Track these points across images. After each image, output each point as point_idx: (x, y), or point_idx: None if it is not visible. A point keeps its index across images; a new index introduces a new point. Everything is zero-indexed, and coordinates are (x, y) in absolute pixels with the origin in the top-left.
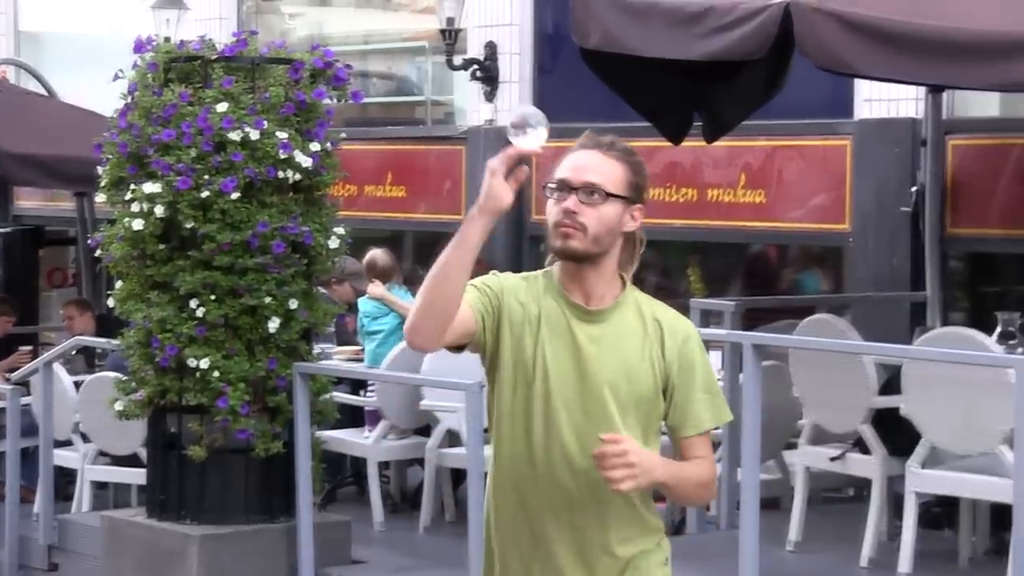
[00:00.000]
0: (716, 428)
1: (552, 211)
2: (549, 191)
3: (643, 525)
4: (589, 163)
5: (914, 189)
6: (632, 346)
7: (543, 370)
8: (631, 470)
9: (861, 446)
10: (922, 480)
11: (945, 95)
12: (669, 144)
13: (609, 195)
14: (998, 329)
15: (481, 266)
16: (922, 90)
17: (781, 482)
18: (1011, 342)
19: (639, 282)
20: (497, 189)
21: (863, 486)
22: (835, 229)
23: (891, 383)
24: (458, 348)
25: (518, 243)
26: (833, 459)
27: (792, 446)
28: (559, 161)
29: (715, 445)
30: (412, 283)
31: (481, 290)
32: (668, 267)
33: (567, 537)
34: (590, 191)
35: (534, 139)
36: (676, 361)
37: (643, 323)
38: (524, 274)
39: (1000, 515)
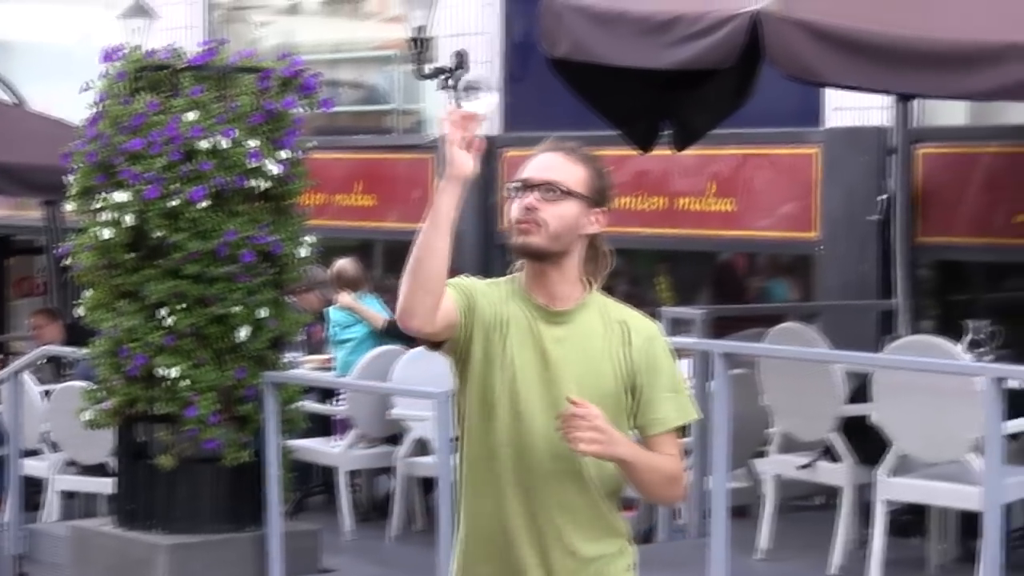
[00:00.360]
0: (683, 426)
1: (513, 209)
2: (510, 191)
3: (608, 528)
4: (550, 163)
5: (883, 197)
6: (596, 346)
7: (511, 372)
8: (597, 434)
9: (830, 454)
10: (891, 488)
11: (914, 104)
12: (638, 153)
13: (568, 192)
14: (967, 337)
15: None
16: (890, 99)
17: (750, 490)
18: (980, 350)
19: (608, 291)
20: (457, 156)
21: (832, 494)
22: (804, 237)
23: (860, 391)
24: (437, 345)
25: (486, 252)
26: (802, 467)
27: (761, 454)
28: (523, 167)
29: (685, 453)
30: (382, 292)
31: (457, 288)
32: (637, 276)
33: (531, 539)
34: (549, 188)
35: (484, 103)
36: (642, 360)
37: (606, 324)
38: (489, 280)
39: (969, 523)
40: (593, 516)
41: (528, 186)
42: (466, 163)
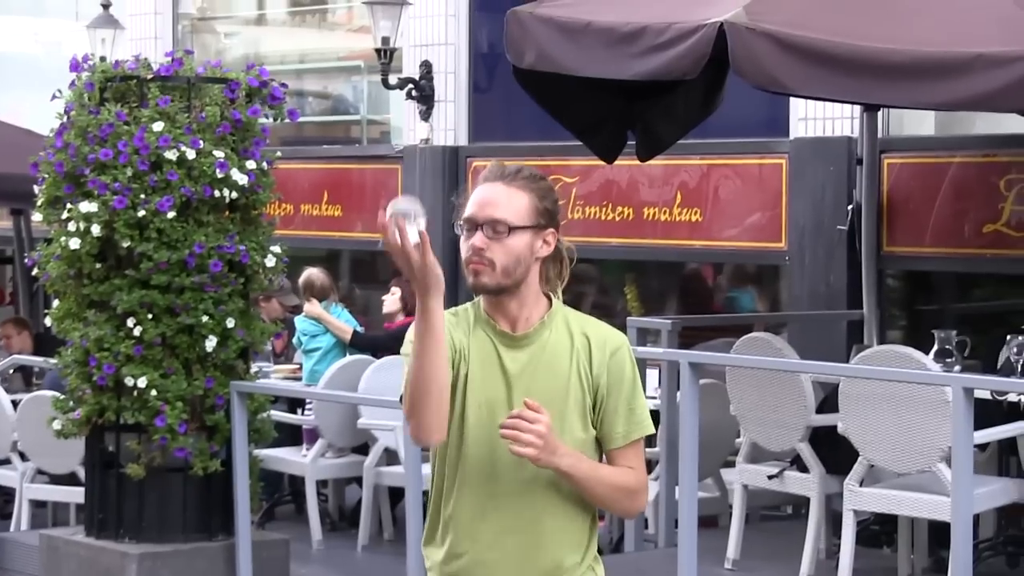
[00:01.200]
0: (641, 438)
1: (463, 248)
2: (459, 228)
3: (580, 541)
4: (492, 197)
5: (850, 207)
6: (560, 364)
7: (476, 401)
8: (537, 439)
9: (799, 464)
10: (860, 498)
11: (880, 114)
12: (604, 163)
13: (514, 228)
14: (935, 347)
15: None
16: (857, 109)
17: (719, 500)
18: (948, 360)
19: (576, 300)
20: (432, 266)
21: (801, 504)
22: (771, 247)
23: (828, 401)
24: None
25: (454, 261)
26: (771, 477)
27: (730, 464)
28: (467, 196)
29: (653, 463)
30: (348, 302)
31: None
32: (605, 286)
33: (508, 563)
34: (494, 226)
35: (414, 231)
36: (604, 374)
37: (571, 339)
38: (453, 309)
39: (938, 533)
40: (567, 530)
41: (473, 224)
42: (438, 269)
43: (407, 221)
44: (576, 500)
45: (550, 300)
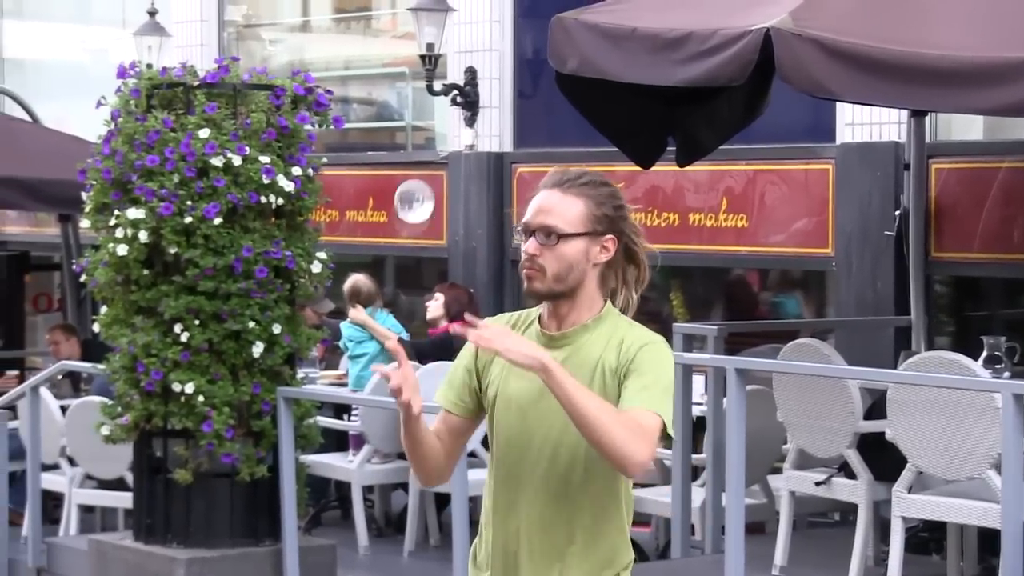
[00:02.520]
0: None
1: (522, 254)
2: (516, 234)
3: (608, 556)
4: (547, 204)
5: (897, 213)
6: (587, 364)
7: (507, 399)
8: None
9: (846, 471)
10: (909, 505)
11: (928, 118)
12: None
13: (564, 236)
14: (984, 353)
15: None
16: (904, 113)
17: (766, 507)
18: (997, 366)
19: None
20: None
21: (849, 511)
22: (818, 253)
23: (876, 407)
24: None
25: (499, 267)
26: (819, 484)
27: (777, 470)
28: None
29: (699, 470)
30: (393, 308)
31: (463, 376)
32: (651, 291)
33: (537, 566)
34: (546, 233)
35: (421, 212)
36: (626, 366)
37: (607, 340)
38: (518, 313)
39: (988, 540)
40: (594, 541)
41: (528, 230)
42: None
43: (413, 201)
44: (605, 506)
45: (602, 306)
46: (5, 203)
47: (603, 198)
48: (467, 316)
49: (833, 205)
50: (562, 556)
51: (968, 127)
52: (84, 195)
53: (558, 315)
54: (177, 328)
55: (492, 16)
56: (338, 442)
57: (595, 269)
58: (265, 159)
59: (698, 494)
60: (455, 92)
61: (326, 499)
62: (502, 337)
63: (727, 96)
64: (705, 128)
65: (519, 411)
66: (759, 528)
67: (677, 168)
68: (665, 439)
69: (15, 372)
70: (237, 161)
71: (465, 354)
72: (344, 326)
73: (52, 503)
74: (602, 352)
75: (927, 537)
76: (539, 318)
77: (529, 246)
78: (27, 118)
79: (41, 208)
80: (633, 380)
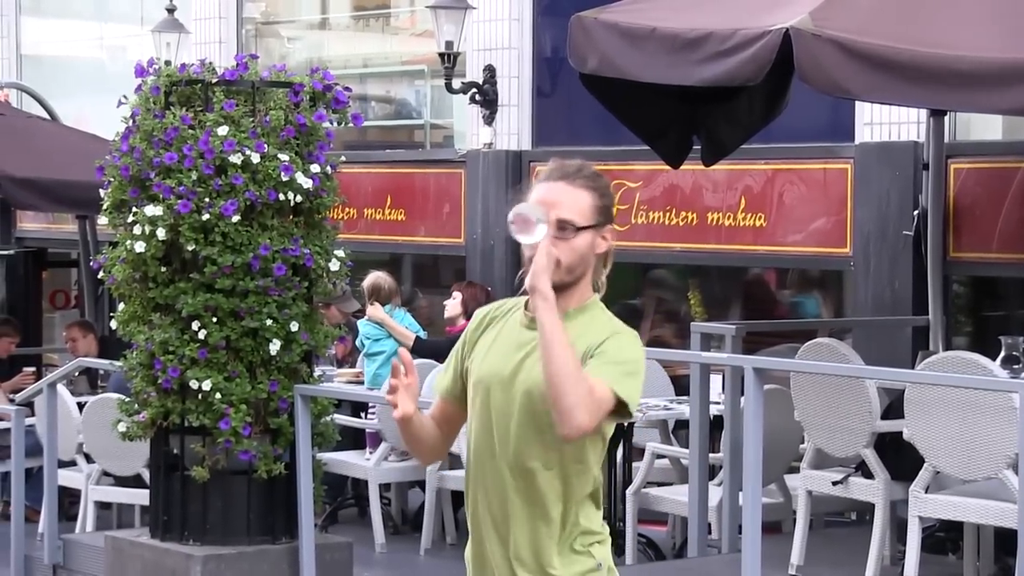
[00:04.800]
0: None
1: (526, 249)
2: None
3: (578, 550)
4: (557, 197)
5: (916, 213)
6: None
7: (485, 381)
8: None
9: (864, 470)
10: (926, 504)
11: (947, 118)
12: (668, 167)
13: (580, 228)
14: (1002, 353)
15: (477, 289)
16: (923, 113)
17: (783, 506)
18: (1015, 366)
19: (643, 305)
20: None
21: (866, 510)
22: (836, 253)
23: (893, 407)
24: None
25: (517, 265)
26: (836, 483)
27: (794, 470)
28: (528, 192)
29: (716, 468)
30: (410, 306)
31: (454, 363)
32: (669, 291)
33: (502, 551)
34: (561, 227)
35: (538, 233)
36: (592, 351)
37: (582, 334)
38: (511, 300)
39: (1005, 540)
40: (557, 533)
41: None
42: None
43: (533, 221)
44: (550, 496)
45: (591, 295)
46: (23, 204)
47: (603, 190)
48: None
49: (851, 205)
50: (529, 534)
51: (987, 127)
52: (102, 192)
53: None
54: (194, 325)
55: (511, 14)
56: (355, 440)
57: (595, 259)
58: (284, 157)
59: (715, 493)
60: (474, 90)
61: (343, 497)
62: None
63: (748, 96)
64: (726, 128)
65: (484, 391)
66: (776, 527)
67: (695, 167)
68: (624, 416)
69: (32, 369)
70: (255, 158)
71: (459, 340)
72: (361, 324)
73: (69, 500)
74: (573, 340)
75: (944, 537)
76: (526, 303)
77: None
78: (45, 115)
79: (58, 209)
80: (596, 359)
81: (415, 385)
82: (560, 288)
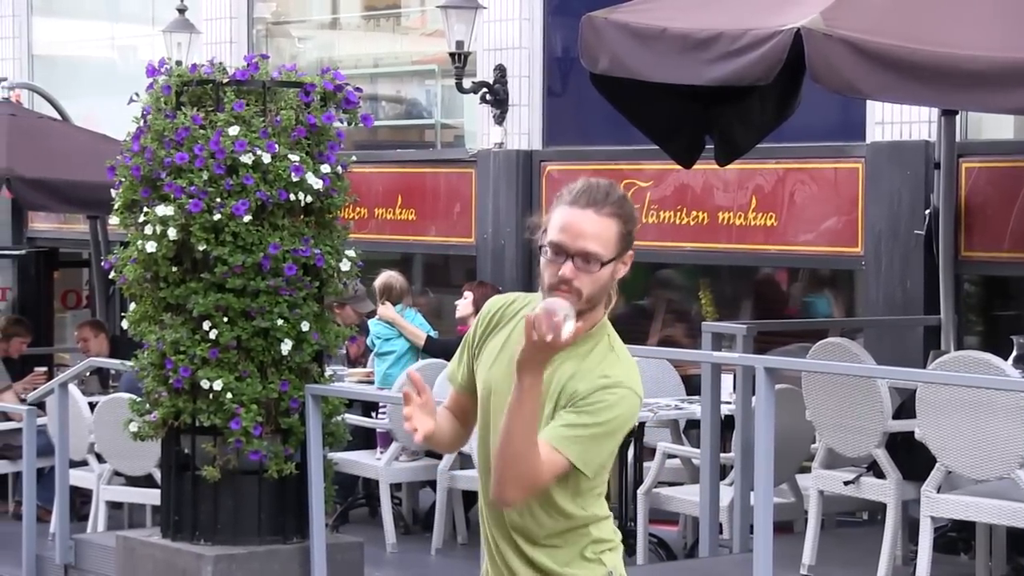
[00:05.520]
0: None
1: (547, 271)
2: (544, 251)
3: (582, 553)
4: (585, 228)
5: (927, 212)
6: (554, 383)
7: (488, 388)
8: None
9: (875, 470)
10: (937, 504)
11: (958, 117)
12: (679, 167)
13: (605, 262)
14: (1014, 353)
15: (488, 288)
16: (935, 112)
17: (794, 506)
18: None
19: (653, 305)
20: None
21: (877, 510)
22: (847, 252)
23: (905, 407)
24: None
25: (528, 265)
26: (847, 483)
27: (805, 470)
28: (552, 212)
29: (727, 468)
30: (423, 306)
31: (465, 357)
32: (680, 290)
33: (513, 554)
34: (586, 258)
35: (565, 331)
36: (573, 401)
37: (580, 364)
38: (528, 295)
39: (1017, 540)
40: (566, 534)
41: (562, 252)
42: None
43: (561, 319)
44: (556, 502)
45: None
46: (34, 205)
47: (628, 216)
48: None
49: (863, 204)
50: (530, 541)
51: (999, 126)
52: (113, 192)
53: None
54: (206, 325)
55: (522, 14)
56: (366, 439)
57: (613, 282)
58: (294, 157)
59: (726, 493)
60: (484, 90)
61: (354, 496)
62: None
63: (760, 95)
64: (740, 128)
65: (486, 399)
66: (787, 527)
67: (706, 166)
68: (581, 474)
69: (43, 369)
70: (266, 159)
71: (471, 330)
72: (372, 323)
73: (80, 500)
74: (572, 374)
75: (955, 537)
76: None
77: (567, 270)
78: (56, 115)
79: (69, 210)
80: (571, 413)
81: (430, 401)
82: (579, 315)
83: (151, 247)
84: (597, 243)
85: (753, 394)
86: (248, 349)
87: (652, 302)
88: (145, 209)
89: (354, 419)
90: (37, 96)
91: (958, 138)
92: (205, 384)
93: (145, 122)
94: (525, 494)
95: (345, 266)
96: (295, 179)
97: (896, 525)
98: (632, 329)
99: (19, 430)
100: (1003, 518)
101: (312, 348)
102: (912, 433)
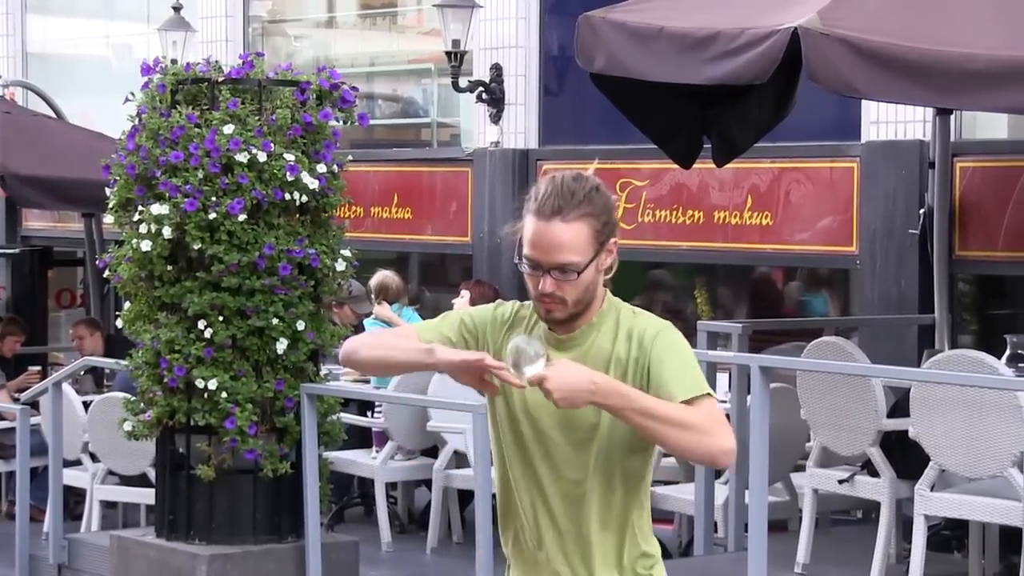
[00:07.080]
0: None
1: (529, 282)
2: (523, 265)
3: (630, 554)
4: (554, 239)
5: (922, 211)
6: (601, 365)
7: (523, 402)
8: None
9: (870, 468)
10: (931, 503)
11: (953, 117)
12: (676, 166)
13: (583, 268)
14: (1007, 352)
15: (484, 287)
16: (930, 112)
17: (789, 504)
18: (1021, 365)
19: (647, 304)
20: (469, 378)
21: (871, 508)
22: (842, 251)
23: (899, 406)
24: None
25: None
26: (841, 481)
27: (800, 468)
28: (524, 219)
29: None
30: (420, 305)
31: (458, 329)
32: (675, 289)
33: (558, 562)
34: (563, 270)
35: (536, 368)
36: (646, 362)
37: (613, 342)
38: (511, 307)
39: (1010, 538)
40: (612, 540)
41: (539, 267)
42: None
43: (525, 361)
44: (614, 511)
45: (604, 296)
46: (28, 202)
47: (600, 208)
48: (488, 363)
49: (858, 203)
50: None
51: (993, 126)
52: (108, 190)
53: (568, 326)
54: (200, 324)
55: (518, 13)
56: (361, 439)
57: (603, 274)
58: (290, 156)
59: (721, 492)
60: (481, 89)
61: (349, 496)
62: (556, 380)
63: (757, 95)
64: (738, 127)
65: (514, 419)
66: (782, 526)
67: (702, 166)
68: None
69: (37, 368)
70: (262, 157)
71: (466, 318)
72: (368, 323)
73: (74, 499)
74: (612, 346)
75: (949, 535)
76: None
77: (546, 285)
78: (51, 113)
79: (64, 207)
80: (665, 371)
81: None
82: (575, 318)
83: (146, 246)
84: (570, 252)
85: (748, 393)
86: (243, 348)
87: (647, 301)
88: (140, 208)
89: (349, 418)
90: (32, 94)
91: (952, 138)
92: (200, 383)
93: (140, 120)
94: (729, 439)
95: (340, 266)
96: (291, 178)
97: (890, 523)
98: None
99: (12, 429)
100: (996, 516)
101: (307, 347)
102: (906, 432)
